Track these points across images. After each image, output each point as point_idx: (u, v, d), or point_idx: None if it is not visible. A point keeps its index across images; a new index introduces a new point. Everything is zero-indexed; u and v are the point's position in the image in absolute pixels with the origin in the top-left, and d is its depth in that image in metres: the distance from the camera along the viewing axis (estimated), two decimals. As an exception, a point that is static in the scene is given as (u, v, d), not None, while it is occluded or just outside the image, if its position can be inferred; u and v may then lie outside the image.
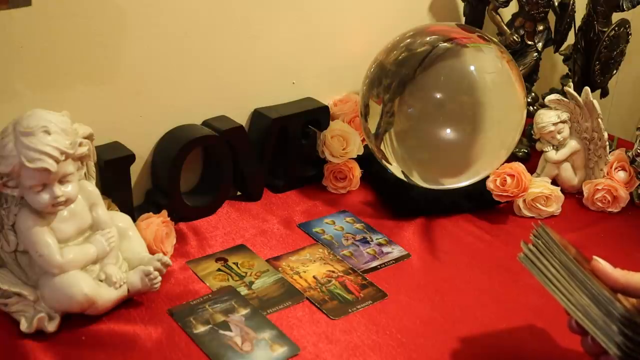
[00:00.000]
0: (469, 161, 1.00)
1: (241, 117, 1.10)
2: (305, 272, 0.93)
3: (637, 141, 1.13)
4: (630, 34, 1.19)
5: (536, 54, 1.23)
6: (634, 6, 1.16)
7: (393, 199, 1.10)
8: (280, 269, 0.93)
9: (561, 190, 1.11)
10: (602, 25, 1.16)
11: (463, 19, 1.30)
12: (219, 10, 1.02)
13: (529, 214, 1.08)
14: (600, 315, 0.64)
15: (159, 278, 0.84)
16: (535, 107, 1.25)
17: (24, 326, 0.78)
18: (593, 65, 1.19)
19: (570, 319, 0.70)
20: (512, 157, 1.11)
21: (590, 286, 0.66)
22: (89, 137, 0.83)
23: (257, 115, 1.11)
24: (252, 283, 0.90)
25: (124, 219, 0.89)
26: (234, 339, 0.80)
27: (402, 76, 0.98)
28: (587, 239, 1.02)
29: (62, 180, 0.78)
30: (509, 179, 1.06)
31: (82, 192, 0.82)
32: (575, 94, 1.10)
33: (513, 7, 1.25)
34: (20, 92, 0.90)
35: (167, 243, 0.94)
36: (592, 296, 0.65)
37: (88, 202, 0.83)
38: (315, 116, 1.14)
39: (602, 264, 0.68)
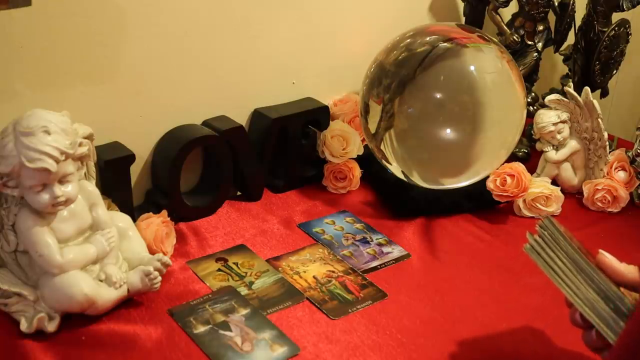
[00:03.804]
0: (469, 161, 1.00)
1: (241, 117, 1.10)
2: (305, 272, 0.93)
3: (637, 141, 1.13)
4: (630, 34, 1.19)
5: (536, 54, 1.23)
6: (634, 6, 1.16)
7: (393, 199, 1.10)
8: (280, 269, 0.93)
9: (561, 190, 1.11)
10: (602, 25, 1.16)
11: (463, 19, 1.30)
12: (219, 10, 1.02)
13: (529, 214, 1.08)
14: (607, 310, 0.64)
15: (159, 278, 0.84)
16: (535, 107, 1.25)
17: (24, 326, 0.78)
18: (593, 65, 1.18)
19: (574, 312, 0.69)
20: (512, 157, 1.11)
21: (598, 280, 0.66)
22: (89, 137, 0.83)
23: (257, 115, 1.11)
24: (252, 283, 0.90)
25: (124, 219, 0.89)
26: (234, 339, 0.80)
27: (402, 76, 0.98)
28: (587, 239, 1.00)
29: (62, 180, 0.78)
30: (509, 179, 1.06)
31: (82, 192, 0.82)
32: (575, 94, 1.10)
33: (513, 7, 1.25)
34: (20, 92, 0.89)
35: (167, 243, 0.94)
36: (600, 291, 0.65)
37: (88, 202, 0.83)
38: (315, 116, 1.13)
39: (609, 258, 0.68)
